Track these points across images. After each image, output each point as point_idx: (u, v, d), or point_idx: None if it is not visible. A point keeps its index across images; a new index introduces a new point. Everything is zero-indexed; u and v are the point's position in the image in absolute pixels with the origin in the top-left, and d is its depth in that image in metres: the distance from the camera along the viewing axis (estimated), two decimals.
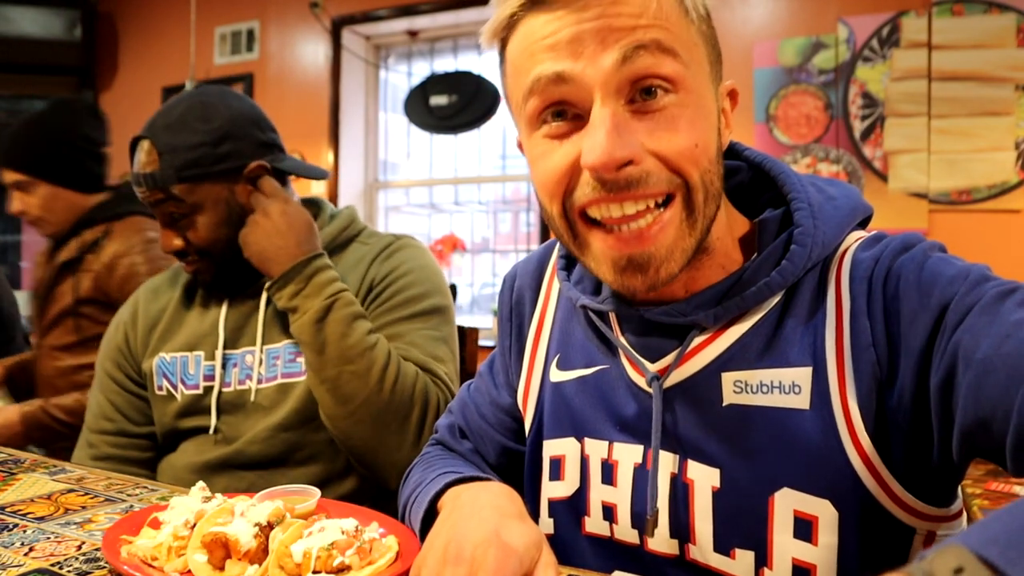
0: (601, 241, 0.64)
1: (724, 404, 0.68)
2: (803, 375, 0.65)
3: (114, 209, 1.81)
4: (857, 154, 2.85)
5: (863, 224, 0.74)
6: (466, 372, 1.38)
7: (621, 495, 0.74)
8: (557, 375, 0.81)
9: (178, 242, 1.19)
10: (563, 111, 0.63)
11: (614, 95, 0.60)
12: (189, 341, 1.24)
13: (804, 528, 0.64)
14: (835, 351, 0.64)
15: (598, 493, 0.76)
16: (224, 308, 1.24)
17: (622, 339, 0.75)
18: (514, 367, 0.87)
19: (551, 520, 0.80)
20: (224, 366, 1.21)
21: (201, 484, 0.79)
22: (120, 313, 1.34)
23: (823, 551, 0.64)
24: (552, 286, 0.85)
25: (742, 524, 0.67)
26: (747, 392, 0.67)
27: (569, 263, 0.82)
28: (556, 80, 0.61)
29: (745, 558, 0.67)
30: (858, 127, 2.85)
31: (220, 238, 1.18)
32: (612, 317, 0.77)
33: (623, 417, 0.75)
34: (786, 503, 0.65)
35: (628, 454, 0.74)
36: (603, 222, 0.64)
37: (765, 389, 0.66)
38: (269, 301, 1.21)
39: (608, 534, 0.76)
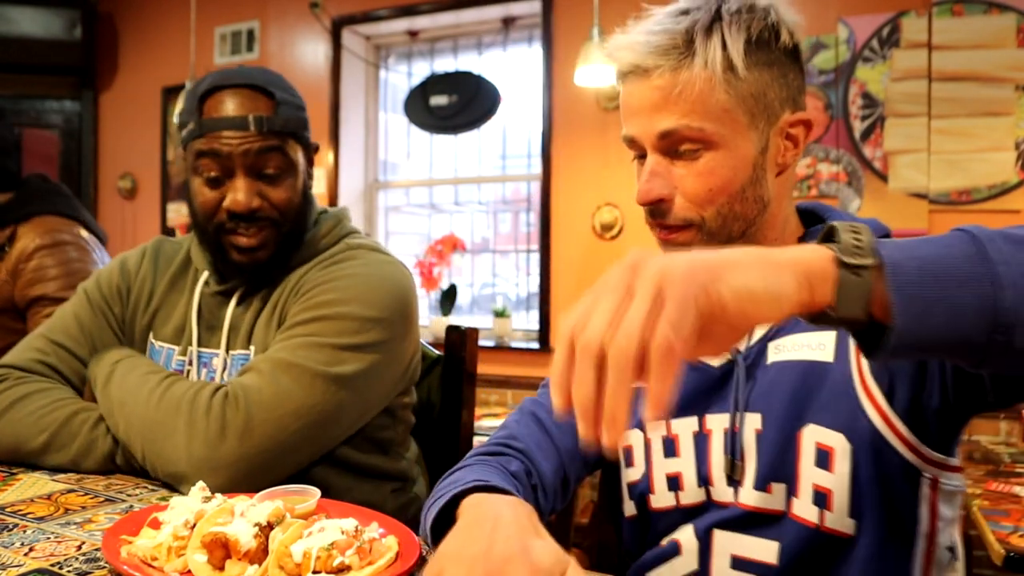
0: (657, 233, 0.89)
1: (768, 363, 0.84)
2: (828, 336, 0.82)
3: (22, 209, 1.69)
4: (857, 154, 2.85)
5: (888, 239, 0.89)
6: (466, 372, 1.38)
7: (685, 463, 0.87)
8: None
9: (258, 202, 1.10)
10: (640, 150, 0.87)
11: (657, 150, 0.84)
12: (175, 333, 1.20)
13: (823, 457, 0.79)
14: None
15: (661, 468, 0.89)
16: (196, 300, 1.19)
17: None
18: None
19: (631, 502, 0.93)
20: (195, 364, 1.17)
21: (201, 484, 0.79)
22: (128, 259, 1.26)
23: (838, 478, 0.78)
24: None
25: (778, 459, 0.81)
26: (784, 351, 0.84)
27: None
28: (630, 139, 0.87)
29: (779, 490, 0.81)
30: (858, 127, 2.85)
31: (296, 205, 1.14)
32: None
33: (680, 397, 0.88)
34: (811, 437, 0.79)
35: (684, 426, 0.88)
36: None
37: (797, 347, 0.83)
38: (236, 305, 1.17)
39: (674, 503, 0.88)
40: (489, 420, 2.88)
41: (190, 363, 1.17)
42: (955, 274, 0.50)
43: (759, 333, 0.87)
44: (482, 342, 3.44)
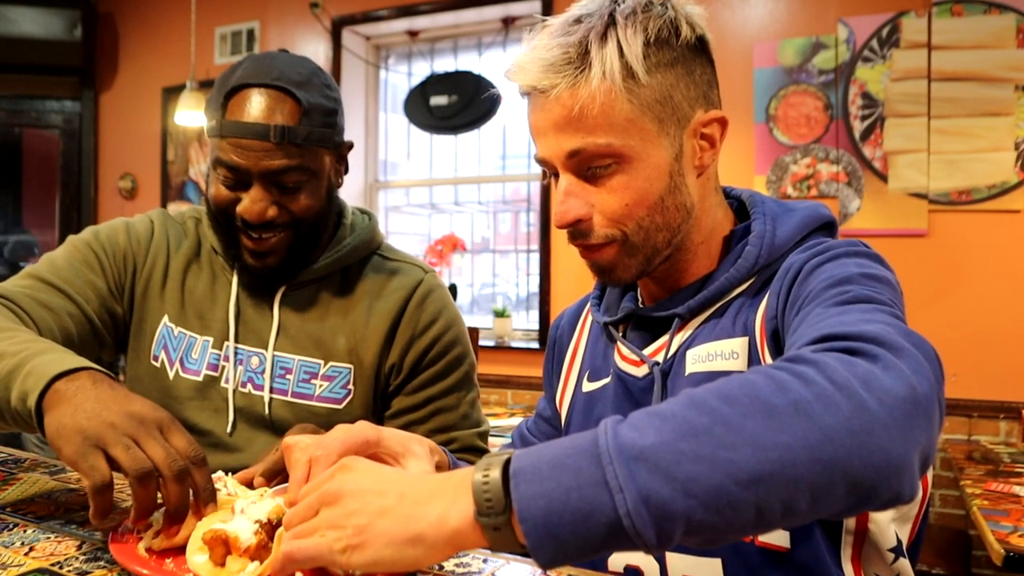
0: (581, 252, 0.87)
1: (686, 374, 0.84)
2: (740, 344, 0.81)
3: None
4: (857, 154, 2.85)
5: (829, 229, 0.88)
6: None
7: None
8: (588, 386, 0.97)
9: (273, 212, 1.07)
10: (553, 169, 0.85)
11: (569, 170, 0.82)
12: (200, 321, 1.16)
13: None
14: (760, 324, 0.80)
15: None
16: (234, 294, 1.16)
17: (622, 342, 0.92)
18: (555, 381, 1.06)
19: None
20: (231, 360, 1.15)
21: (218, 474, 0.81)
22: (134, 224, 1.21)
23: None
24: (586, 322, 1.04)
25: None
26: (700, 361, 0.83)
27: (601, 295, 1.00)
28: (541, 160, 0.84)
29: None
30: (858, 127, 2.85)
31: (316, 210, 1.11)
32: (620, 329, 0.95)
33: (606, 408, 0.91)
34: None
35: None
36: None
37: (711, 357, 0.82)
38: (282, 305, 1.16)
39: None
40: (490, 420, 2.87)
41: (226, 359, 1.15)
42: (580, 507, 0.50)
43: (676, 343, 0.86)
44: (482, 342, 3.44)
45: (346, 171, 1.20)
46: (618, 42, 0.77)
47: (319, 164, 1.11)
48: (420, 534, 0.55)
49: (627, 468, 0.50)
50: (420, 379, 1.18)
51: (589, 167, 0.80)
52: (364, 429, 0.73)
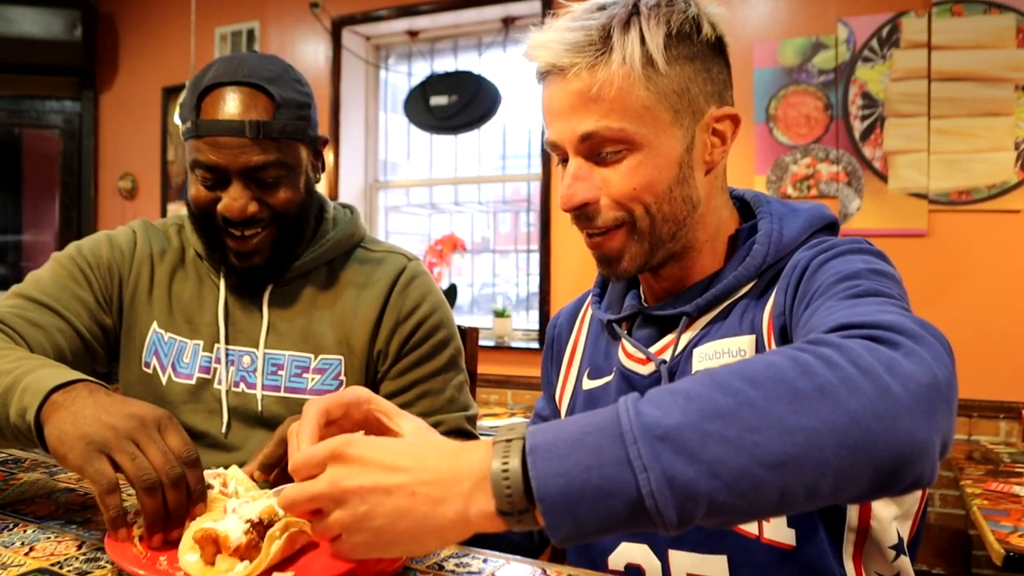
0: (586, 240, 0.87)
1: (693, 372, 0.83)
2: (747, 342, 0.81)
3: None
4: (857, 154, 2.85)
5: (832, 229, 0.89)
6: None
7: None
8: (588, 384, 0.97)
9: (254, 208, 1.09)
10: (563, 154, 0.85)
11: (579, 154, 0.82)
12: (189, 325, 1.18)
13: None
14: (767, 321, 0.81)
15: None
16: (222, 295, 1.18)
17: (627, 340, 0.92)
18: (554, 379, 1.05)
19: None
20: (223, 361, 1.16)
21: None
22: (116, 236, 1.22)
23: None
24: (584, 319, 1.04)
25: None
26: (707, 359, 0.83)
27: (602, 292, 1.01)
28: (551, 143, 0.84)
29: None
30: (858, 127, 2.85)
31: (297, 204, 1.13)
32: (624, 326, 0.95)
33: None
34: None
35: None
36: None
37: (718, 355, 0.82)
38: (270, 303, 1.18)
39: None
40: (489, 420, 2.88)
41: (217, 361, 1.16)
42: (601, 486, 0.50)
43: (684, 341, 0.85)
44: (482, 342, 3.44)
45: (323, 168, 1.22)
46: (640, 31, 0.78)
47: (296, 158, 1.12)
48: (441, 531, 0.56)
49: (651, 447, 0.50)
50: (405, 362, 1.19)
51: (600, 152, 0.80)
52: (357, 388, 0.75)
